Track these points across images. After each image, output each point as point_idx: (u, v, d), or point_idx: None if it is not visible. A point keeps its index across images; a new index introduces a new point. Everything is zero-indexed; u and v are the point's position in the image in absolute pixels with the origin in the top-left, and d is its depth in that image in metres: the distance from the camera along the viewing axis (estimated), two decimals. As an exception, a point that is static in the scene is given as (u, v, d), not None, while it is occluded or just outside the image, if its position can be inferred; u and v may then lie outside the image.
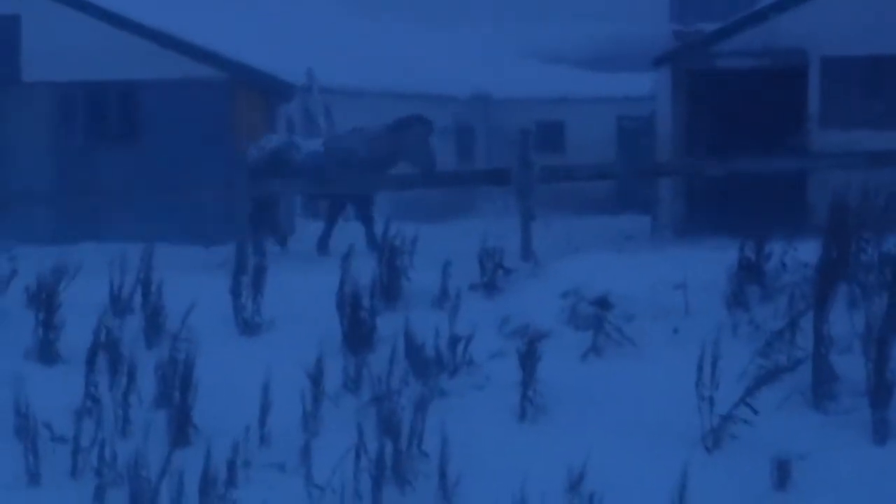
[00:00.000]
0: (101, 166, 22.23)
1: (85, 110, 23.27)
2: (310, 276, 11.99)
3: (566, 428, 9.06)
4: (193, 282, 11.50)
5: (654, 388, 9.34)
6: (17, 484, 9.00)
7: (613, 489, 8.19)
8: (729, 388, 8.88)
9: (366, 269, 10.94)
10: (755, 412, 8.78)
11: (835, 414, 8.97)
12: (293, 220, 22.48)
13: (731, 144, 18.93)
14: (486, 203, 28.86)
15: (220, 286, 11.13)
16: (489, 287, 11.23)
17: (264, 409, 9.20)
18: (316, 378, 9.44)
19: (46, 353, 10.60)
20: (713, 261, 10.86)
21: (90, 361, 9.77)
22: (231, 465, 8.69)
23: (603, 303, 10.44)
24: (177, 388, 9.41)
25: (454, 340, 9.94)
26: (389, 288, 11.11)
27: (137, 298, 11.21)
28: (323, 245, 17.92)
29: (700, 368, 8.84)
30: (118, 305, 11.24)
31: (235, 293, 11.01)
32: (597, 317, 10.25)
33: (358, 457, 8.56)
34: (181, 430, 9.27)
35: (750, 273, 10.61)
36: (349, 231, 17.52)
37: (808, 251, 10.40)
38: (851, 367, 9.11)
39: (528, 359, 9.32)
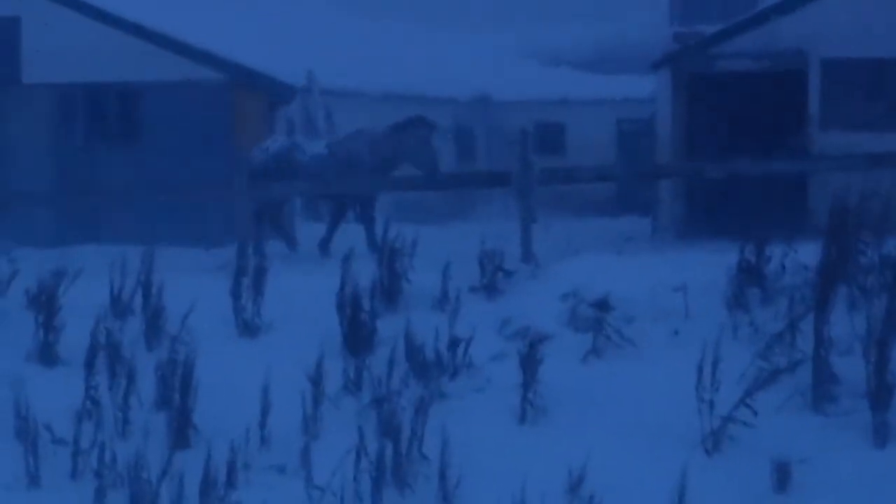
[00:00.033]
0: (100, 168, 22.25)
1: (85, 112, 23.29)
2: (310, 277, 12.00)
3: (566, 430, 9.05)
4: (194, 283, 11.50)
5: (654, 389, 9.34)
6: (17, 485, 8.99)
7: (613, 491, 8.19)
8: (729, 390, 8.88)
9: (366, 271, 10.94)
10: (755, 413, 8.78)
11: (835, 416, 8.97)
12: (293, 222, 22.49)
13: (732, 146, 18.93)
14: (486, 205, 28.89)
15: (221, 288, 11.13)
16: (489, 289, 11.22)
17: (264, 411, 9.19)
18: (316, 380, 9.43)
19: (47, 354, 10.59)
20: (713, 263, 10.86)
21: (89, 363, 9.76)
22: (231, 467, 8.68)
23: (603, 305, 10.43)
24: (177, 389, 9.41)
25: (454, 342, 9.94)
26: (390, 290, 11.10)
27: (138, 300, 11.21)
28: (324, 246, 17.93)
29: (700, 370, 8.84)
30: (118, 307, 11.24)
31: (235, 295, 11.01)
32: (597, 319, 10.25)
33: (358, 459, 8.56)
34: (181, 431, 9.27)
35: (750, 275, 10.61)
36: (349, 233, 17.54)
37: (808, 253, 10.39)
38: (852, 369, 9.10)
39: (530, 361, 9.32)
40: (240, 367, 9.94)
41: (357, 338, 10.24)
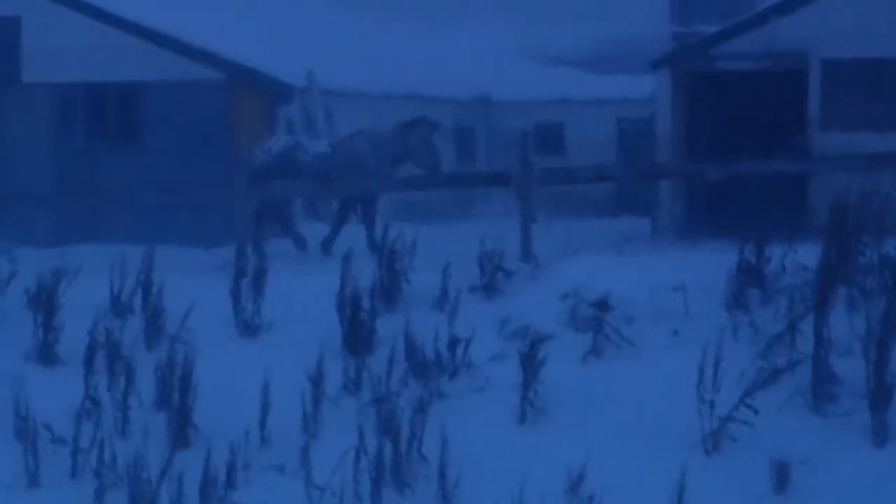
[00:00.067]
0: (100, 167, 22.24)
1: (85, 111, 23.28)
2: (310, 277, 12.00)
3: (566, 430, 9.05)
4: (194, 283, 11.51)
5: (653, 390, 9.34)
6: (17, 485, 9.00)
7: (613, 491, 8.19)
8: (729, 390, 8.88)
9: (366, 271, 10.94)
10: (756, 412, 8.78)
11: (834, 416, 8.97)
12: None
13: (732, 146, 18.92)
14: (486, 205, 28.88)
15: (221, 288, 11.13)
16: (489, 289, 11.22)
17: (264, 411, 9.20)
18: (316, 379, 9.43)
19: (46, 354, 10.59)
20: (713, 263, 10.86)
21: (89, 363, 9.76)
22: (231, 467, 8.69)
23: (603, 305, 10.43)
24: (176, 389, 9.41)
25: (454, 342, 9.94)
26: (389, 290, 11.10)
27: (138, 300, 11.21)
28: (327, 246, 17.88)
29: (701, 371, 8.84)
30: (118, 307, 11.24)
31: (235, 294, 11.01)
32: (597, 319, 10.24)
33: (358, 458, 8.56)
34: (181, 431, 9.27)
35: (750, 275, 10.61)
36: (350, 233, 17.56)
37: (808, 254, 10.40)
38: (851, 369, 9.11)
39: (530, 361, 9.32)
40: (239, 366, 9.94)
41: (357, 338, 10.24)
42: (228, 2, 31.71)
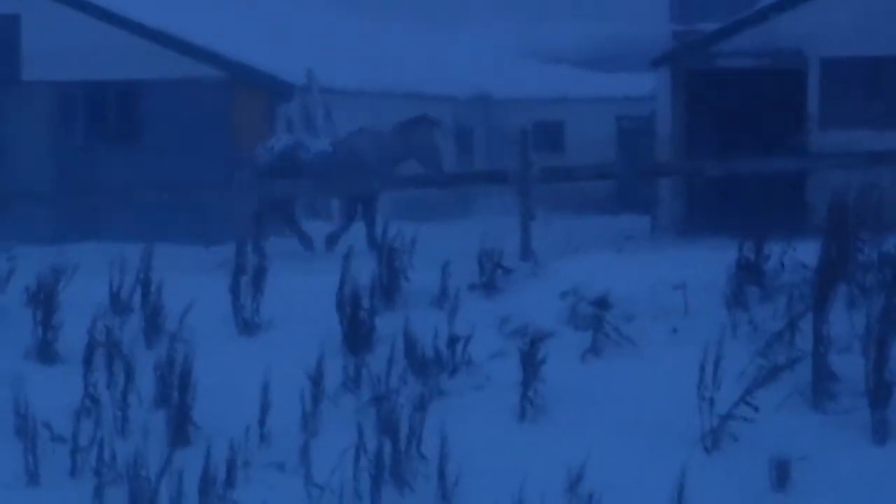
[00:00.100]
0: (100, 166, 22.24)
1: (85, 110, 23.28)
2: (309, 276, 12.00)
3: (565, 428, 9.06)
4: (193, 282, 11.51)
5: (653, 388, 9.34)
6: (16, 483, 9.00)
7: (612, 489, 8.19)
8: (728, 388, 8.88)
9: (366, 270, 10.94)
10: (756, 410, 8.78)
11: (834, 414, 8.97)
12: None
13: (731, 144, 18.94)
14: (486, 203, 28.86)
15: (220, 286, 11.14)
16: (489, 287, 11.23)
17: (264, 409, 9.20)
18: (315, 378, 9.44)
19: (45, 352, 10.60)
20: (713, 261, 10.86)
21: (88, 361, 9.76)
22: (230, 465, 8.68)
23: (602, 303, 10.43)
24: (176, 387, 9.42)
25: (453, 340, 9.94)
26: (389, 288, 11.11)
27: (137, 298, 11.22)
28: (332, 242, 17.77)
29: (701, 369, 8.84)
30: (118, 305, 11.25)
31: (235, 293, 11.02)
32: (596, 317, 10.25)
33: (357, 456, 8.56)
34: (180, 429, 9.27)
35: (749, 273, 10.61)
36: (350, 231, 17.55)
37: (807, 251, 10.40)
38: (851, 367, 9.11)
39: (530, 359, 9.32)
40: (239, 365, 9.95)
41: (356, 336, 10.25)
42: (228, 1, 31.69)
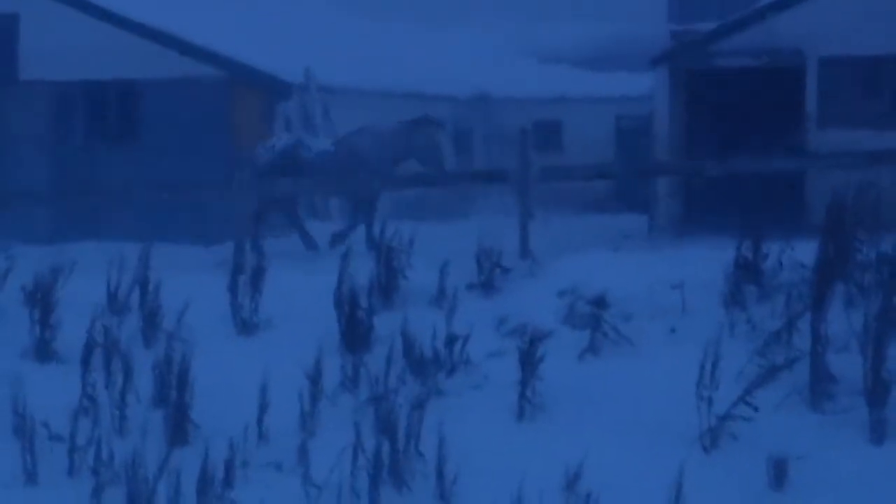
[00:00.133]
0: (99, 165, 22.24)
1: (83, 109, 23.28)
2: (308, 275, 12.00)
3: (563, 427, 9.06)
4: (192, 281, 11.52)
5: (651, 387, 9.34)
6: (14, 483, 8.99)
7: (610, 488, 8.19)
8: (726, 387, 8.88)
9: (364, 269, 10.94)
10: (755, 409, 8.78)
11: (832, 413, 8.97)
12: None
13: (729, 144, 18.96)
14: (485, 202, 28.86)
15: (219, 285, 11.14)
16: (487, 286, 11.23)
17: (262, 409, 9.20)
18: (314, 377, 9.44)
19: (43, 351, 10.60)
20: (711, 260, 10.86)
21: (86, 360, 9.76)
22: (229, 465, 8.68)
23: (600, 302, 10.44)
24: (174, 387, 9.41)
25: (452, 340, 9.94)
26: (387, 287, 11.11)
27: (136, 297, 11.22)
28: (339, 240, 17.71)
29: (701, 368, 8.84)
30: (116, 304, 11.25)
31: (233, 292, 11.02)
32: (594, 316, 10.25)
33: (355, 456, 8.56)
34: (178, 429, 9.27)
35: (747, 272, 10.61)
36: (356, 230, 17.55)
37: (805, 251, 10.40)
38: (849, 366, 9.11)
39: (529, 358, 9.32)
40: (237, 364, 9.95)
41: (354, 335, 10.25)
42: (228, 1, 31.69)
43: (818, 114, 20.99)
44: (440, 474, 8.50)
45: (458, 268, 11.22)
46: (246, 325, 10.92)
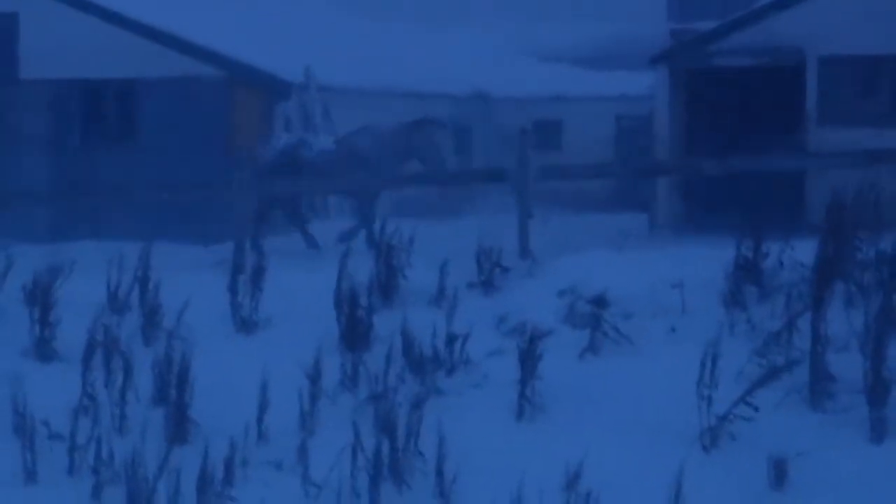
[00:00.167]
0: (98, 164, 22.25)
1: (83, 108, 23.30)
2: (308, 274, 11.99)
3: (563, 426, 9.05)
4: (192, 280, 11.51)
5: (651, 386, 9.34)
6: (14, 482, 8.98)
7: (610, 487, 8.18)
8: (726, 387, 8.88)
9: (364, 268, 10.94)
10: (756, 410, 8.78)
11: (832, 413, 8.97)
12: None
13: (729, 143, 18.96)
14: (484, 201, 28.88)
15: (219, 284, 11.14)
16: (486, 285, 11.23)
17: (262, 408, 9.19)
18: (313, 376, 9.43)
19: (43, 350, 10.59)
20: (711, 259, 10.86)
21: (86, 359, 9.76)
22: (228, 463, 8.67)
23: (600, 301, 10.43)
24: (174, 385, 9.41)
25: (451, 339, 9.94)
26: (387, 286, 11.11)
27: (135, 296, 11.21)
28: (346, 238, 17.67)
29: (701, 367, 8.84)
30: (116, 303, 11.24)
31: (233, 291, 11.02)
32: (594, 315, 10.24)
33: (355, 455, 8.56)
34: (178, 427, 9.26)
35: (747, 272, 10.61)
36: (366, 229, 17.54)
37: (805, 250, 10.40)
38: (849, 365, 9.10)
39: (529, 357, 9.32)
40: (237, 363, 9.94)
41: (354, 334, 10.24)
42: (227, 1, 31.71)
43: (818, 113, 21.01)
44: (440, 473, 8.49)
45: (458, 267, 11.22)
46: (246, 324, 10.92)
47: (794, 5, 21.19)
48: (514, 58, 38.52)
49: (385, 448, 8.61)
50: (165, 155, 21.89)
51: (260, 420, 9.17)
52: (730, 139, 19.65)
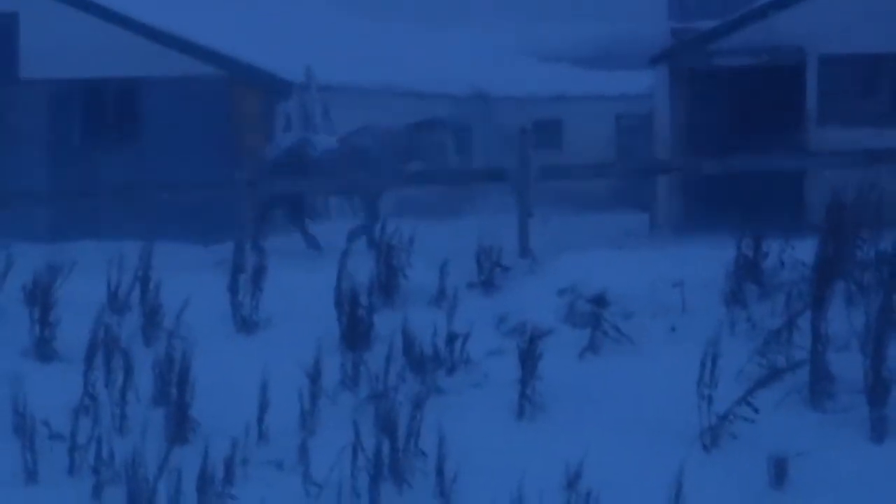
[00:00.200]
0: (99, 164, 22.23)
1: (83, 108, 23.28)
2: (308, 274, 11.99)
3: (564, 425, 9.06)
4: (192, 280, 11.51)
5: (651, 385, 9.34)
6: (14, 482, 8.98)
7: (610, 487, 8.19)
8: (726, 386, 8.88)
9: (365, 268, 10.94)
10: (756, 410, 8.78)
11: (832, 412, 8.97)
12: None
13: (730, 142, 18.95)
14: (484, 201, 28.87)
15: (219, 284, 11.14)
16: (487, 285, 11.23)
17: (262, 407, 9.19)
18: (314, 376, 9.43)
19: (43, 350, 10.59)
20: (711, 258, 10.86)
21: (88, 359, 9.76)
22: (229, 463, 8.68)
23: (600, 300, 10.44)
24: (174, 385, 9.41)
25: (452, 338, 9.94)
26: (387, 286, 11.11)
27: (136, 296, 11.21)
28: (353, 237, 17.63)
29: (701, 366, 8.84)
30: (116, 303, 11.24)
31: (233, 291, 11.02)
32: (594, 314, 10.25)
33: (355, 454, 8.56)
34: (179, 427, 9.27)
35: (748, 271, 10.61)
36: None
37: (805, 249, 10.40)
38: (849, 365, 9.11)
39: (529, 356, 9.32)
40: (238, 363, 9.94)
41: (354, 333, 10.24)
42: (228, 0, 31.74)
43: (818, 112, 21.00)
44: (440, 472, 8.50)
45: (458, 266, 11.22)
46: (246, 324, 10.92)
47: (794, 4, 21.18)
48: (514, 58, 38.52)
49: (385, 447, 8.61)
50: (166, 155, 21.87)
51: (260, 420, 9.18)
52: (730, 138, 19.64)
